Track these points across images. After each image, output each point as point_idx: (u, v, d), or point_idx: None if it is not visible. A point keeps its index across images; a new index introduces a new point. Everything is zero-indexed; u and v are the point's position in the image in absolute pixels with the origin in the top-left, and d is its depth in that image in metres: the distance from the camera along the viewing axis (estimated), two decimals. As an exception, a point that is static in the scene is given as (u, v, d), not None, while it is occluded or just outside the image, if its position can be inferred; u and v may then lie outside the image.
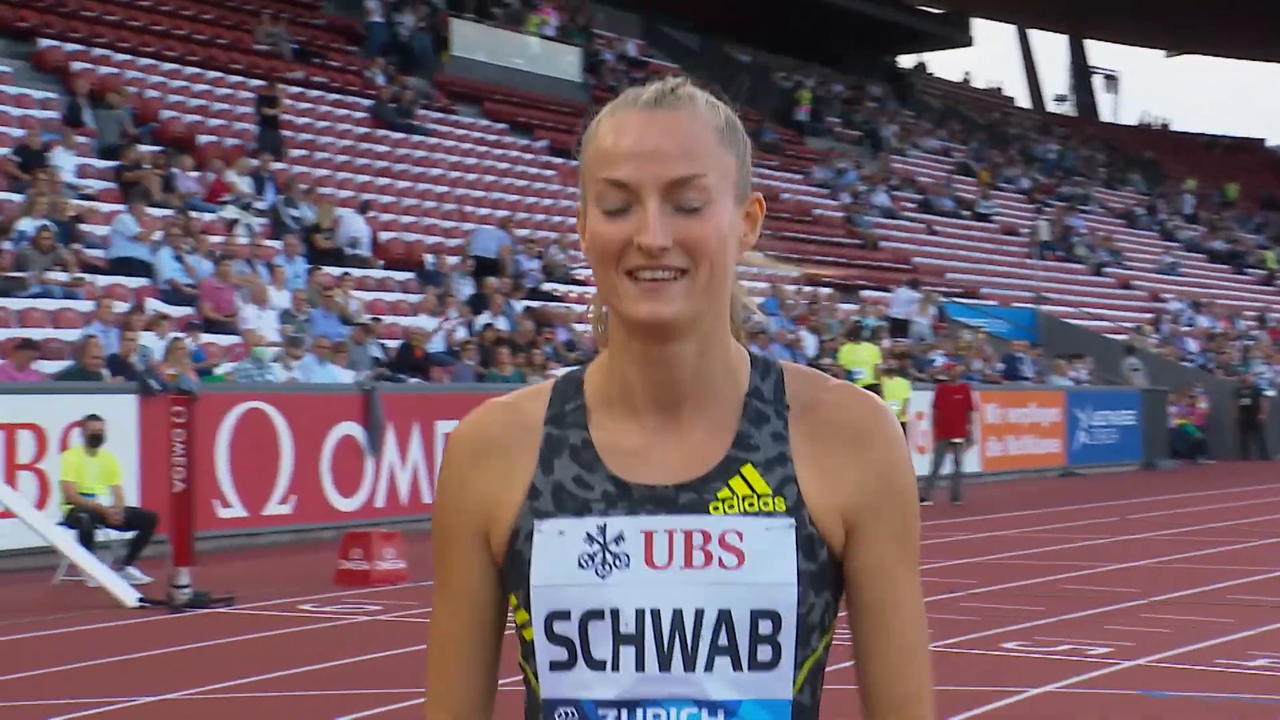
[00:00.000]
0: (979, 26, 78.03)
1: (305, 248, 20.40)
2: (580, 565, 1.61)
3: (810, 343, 24.32)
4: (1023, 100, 63.68)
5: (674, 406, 1.65)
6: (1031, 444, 25.94)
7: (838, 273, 31.17)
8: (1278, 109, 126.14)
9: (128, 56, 24.55)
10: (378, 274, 21.36)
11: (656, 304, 1.57)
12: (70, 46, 23.70)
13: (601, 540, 1.61)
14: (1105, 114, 65.56)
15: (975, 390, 22.54)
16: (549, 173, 29.51)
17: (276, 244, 19.99)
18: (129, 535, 12.32)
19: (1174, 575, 12.77)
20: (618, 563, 1.60)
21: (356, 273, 20.53)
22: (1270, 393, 32.36)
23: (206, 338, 16.47)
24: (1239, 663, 8.83)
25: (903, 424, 21.13)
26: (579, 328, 21.27)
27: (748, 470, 1.63)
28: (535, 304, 21.51)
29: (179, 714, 7.65)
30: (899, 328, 27.57)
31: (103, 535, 12.25)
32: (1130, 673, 8.57)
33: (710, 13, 44.48)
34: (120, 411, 13.31)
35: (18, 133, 19.95)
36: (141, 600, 10.87)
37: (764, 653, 1.59)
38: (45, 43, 23.50)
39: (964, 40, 56.09)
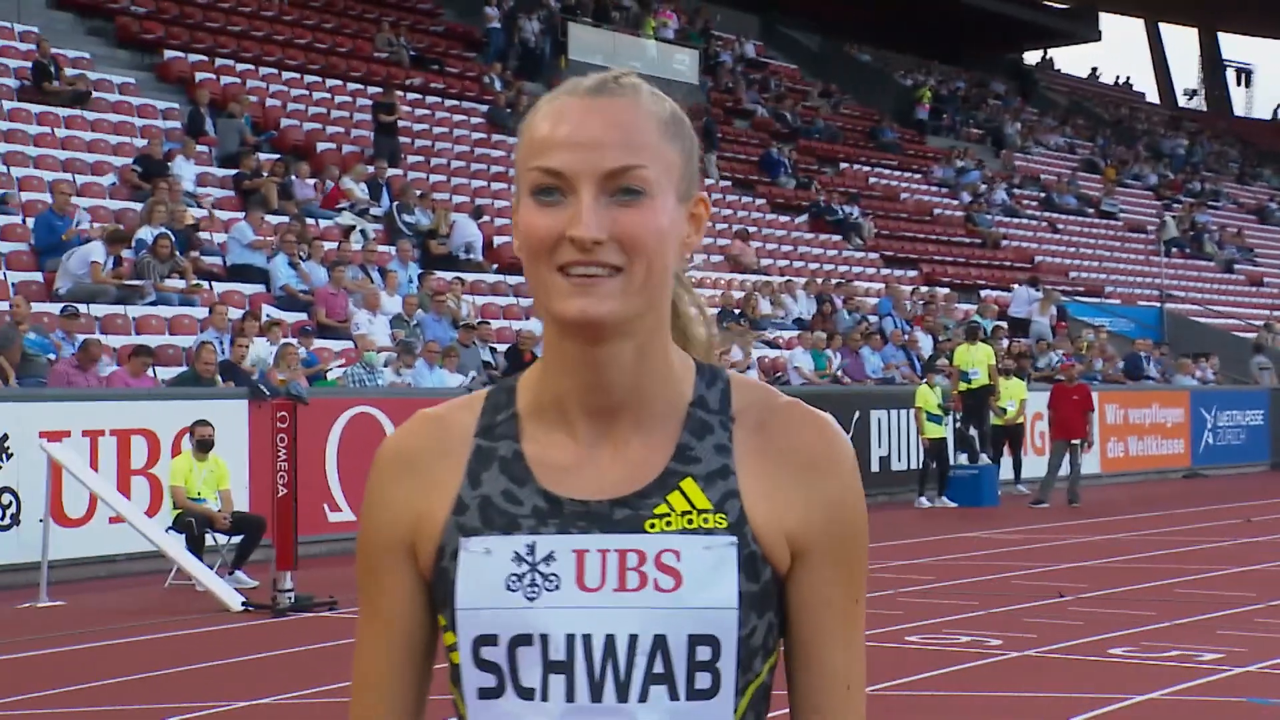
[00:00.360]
0: (1108, 21, 76.85)
1: (419, 253, 20.58)
2: (508, 587, 1.52)
3: (926, 343, 24.05)
4: (1152, 95, 62.52)
5: (610, 415, 1.55)
6: (1154, 445, 25.41)
7: (956, 272, 30.80)
8: None
9: (249, 66, 24.96)
10: (490, 278, 21.48)
11: (589, 301, 1.48)
12: (194, 57, 24.15)
13: (530, 560, 1.52)
14: (1238, 108, 64.13)
15: (1094, 390, 22.13)
16: (664, 175, 29.47)
17: (390, 249, 20.19)
18: (237, 540, 12.49)
19: (1295, 579, 12.42)
20: (547, 584, 1.51)
21: (469, 277, 20.67)
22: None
23: (320, 343, 16.67)
24: (1355, 670, 8.56)
25: (1019, 424, 21.05)
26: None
27: (688, 484, 1.54)
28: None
29: (275, 717, 7.73)
30: (1018, 327, 27.17)
31: (211, 540, 12.43)
32: (1240, 679, 8.34)
33: (830, 12, 44.20)
34: (231, 417, 13.50)
35: (140, 143, 20.35)
36: (245, 604, 11.01)
37: (702, 680, 1.50)
38: (170, 54, 23.98)
39: (1092, 35, 55.17)
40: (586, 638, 1.50)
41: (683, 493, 1.53)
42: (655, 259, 1.50)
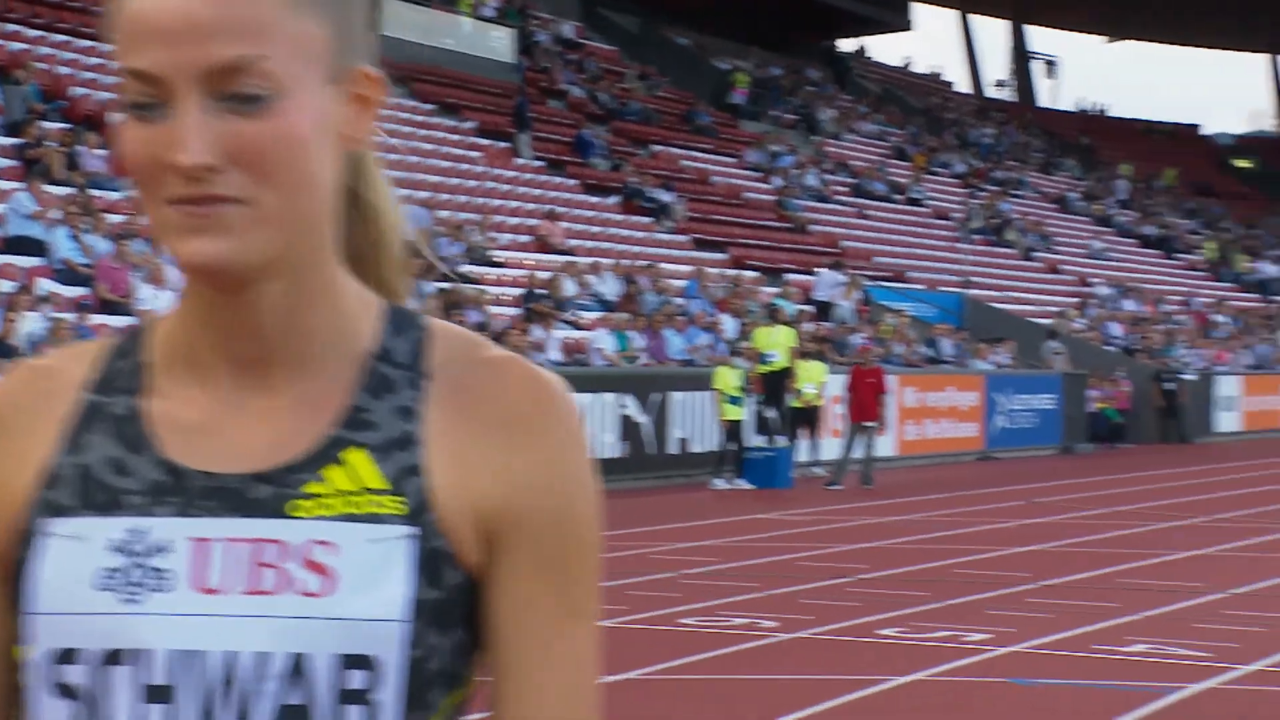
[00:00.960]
0: (921, 11, 78.21)
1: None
2: (101, 586, 1.13)
3: (730, 326, 24.21)
4: (962, 85, 63.82)
5: (259, 367, 1.17)
6: (950, 428, 25.93)
7: (765, 256, 31.08)
8: (1213, 96, 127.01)
9: (40, 33, 24.13)
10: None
11: (205, 242, 1.10)
12: (-20, 22, 23.30)
13: (133, 550, 1.14)
14: (1044, 99, 65.76)
15: (892, 374, 22.48)
16: (475, 154, 29.27)
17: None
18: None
19: (1069, 559, 12.72)
20: (155, 583, 1.13)
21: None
22: (1191, 377, 32.52)
23: (101, 319, 16.17)
24: (1116, 648, 8.75)
25: (817, 407, 21.31)
26: (494, 310, 21.08)
27: (355, 456, 1.15)
28: (448, 286, 21.26)
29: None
30: (822, 311, 27.50)
31: None
32: (1004, 660, 8.48)
33: (649, -5, 44.28)
34: None
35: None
36: None
37: (352, 718, 1.11)
38: (-46, 18, 23.11)
39: (903, 24, 56.07)
40: (199, 656, 1.12)
41: (347, 467, 1.15)
42: (296, 179, 1.12)
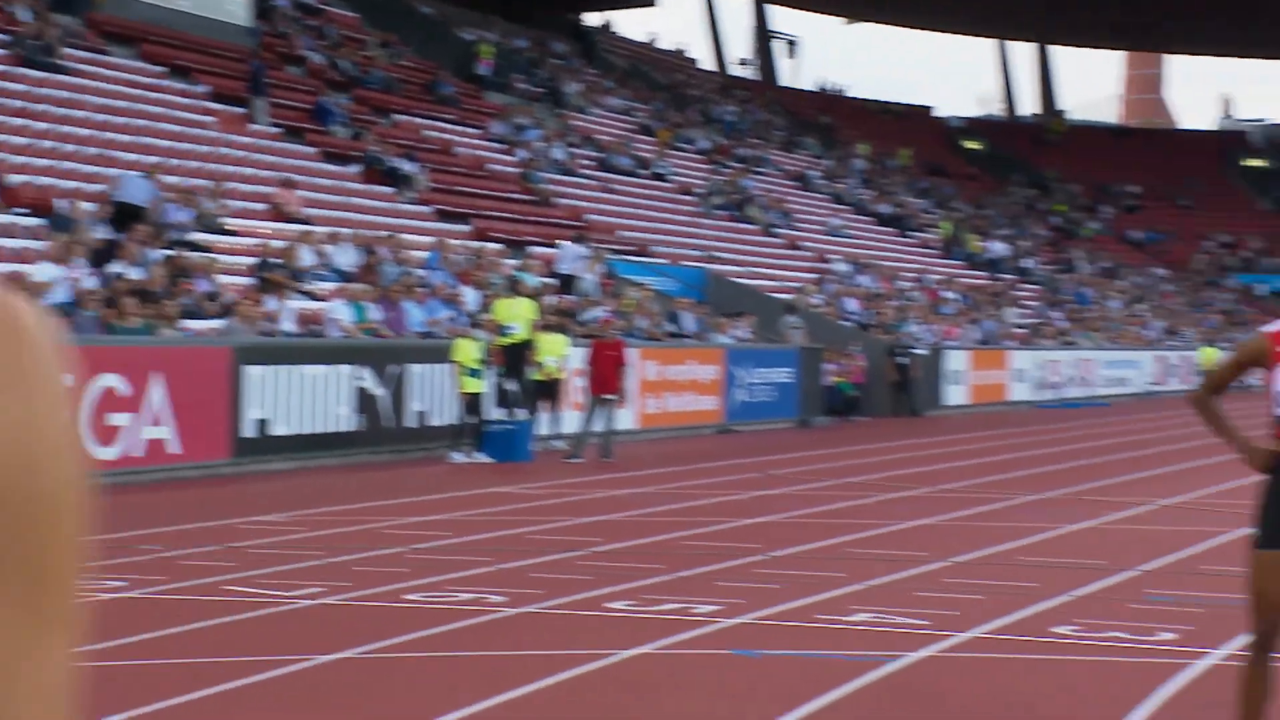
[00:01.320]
0: (666, -12, 78.74)
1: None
2: None
3: (471, 298, 23.94)
4: (707, 63, 64.46)
5: None
6: (690, 401, 26.14)
7: (508, 228, 30.85)
8: (946, 79, 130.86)
9: None
10: (3, 219, 20.07)
11: None
12: None
13: None
14: (785, 79, 66.86)
15: (631, 347, 22.51)
16: (208, 119, 28.34)
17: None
18: None
19: (800, 530, 12.86)
20: None
21: (-19, 217, 19.24)
22: (922, 352, 33.44)
23: None
24: (839, 618, 8.83)
25: (558, 380, 21.22)
26: (223, 279, 20.42)
27: None
28: (176, 253, 20.53)
29: None
30: (565, 284, 27.42)
31: None
32: (731, 631, 8.47)
33: (391, -38, 43.48)
34: None
35: None
36: None
37: None
38: None
39: (648, 0, 56.34)
40: None
41: None
42: None
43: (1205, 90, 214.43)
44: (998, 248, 50.37)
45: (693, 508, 14.66)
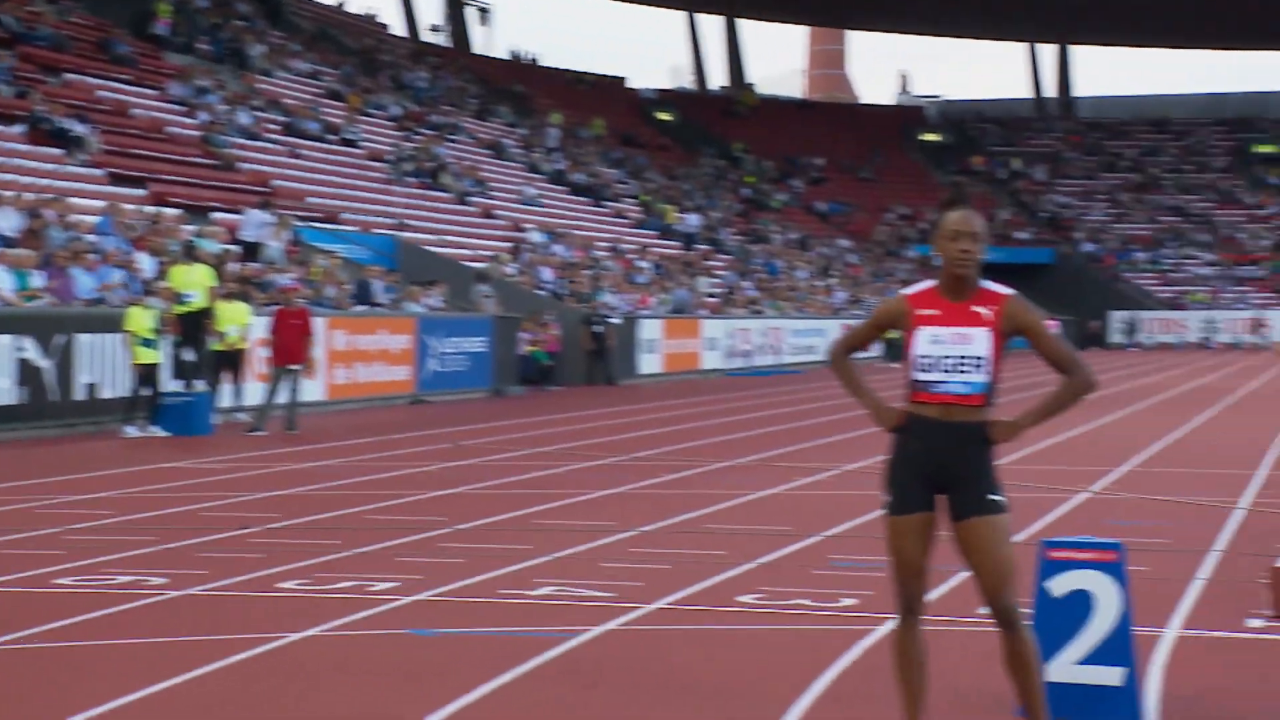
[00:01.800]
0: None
1: None
2: None
3: (148, 265, 22.82)
4: (398, 29, 63.37)
5: None
6: (381, 371, 25.52)
7: (188, 193, 29.60)
8: (639, 50, 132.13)
9: None
10: None
11: None
12: None
13: None
14: (478, 46, 66.25)
15: (320, 316, 21.78)
16: None
17: None
18: None
19: (488, 502, 12.52)
20: None
21: None
22: (617, 321, 33.49)
23: None
24: (522, 592, 8.52)
25: (240, 350, 20.40)
26: None
27: None
28: None
29: None
30: (250, 251, 26.44)
31: None
32: (408, 609, 8.07)
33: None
34: None
35: None
36: None
37: None
38: None
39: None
40: None
41: None
42: None
43: (885, 67, 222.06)
44: (690, 219, 50.93)
45: (378, 480, 14.17)
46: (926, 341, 5.10)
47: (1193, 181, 76.69)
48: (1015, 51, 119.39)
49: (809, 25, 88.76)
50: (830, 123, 76.83)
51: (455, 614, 7.94)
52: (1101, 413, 22.55)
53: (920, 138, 78.17)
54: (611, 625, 7.65)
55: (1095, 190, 75.53)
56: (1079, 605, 5.59)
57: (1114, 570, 5.58)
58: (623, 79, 69.78)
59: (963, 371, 5.06)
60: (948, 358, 5.08)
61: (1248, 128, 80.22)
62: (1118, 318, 64.87)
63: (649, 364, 34.98)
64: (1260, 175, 76.85)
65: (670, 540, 10.47)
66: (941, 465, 5.09)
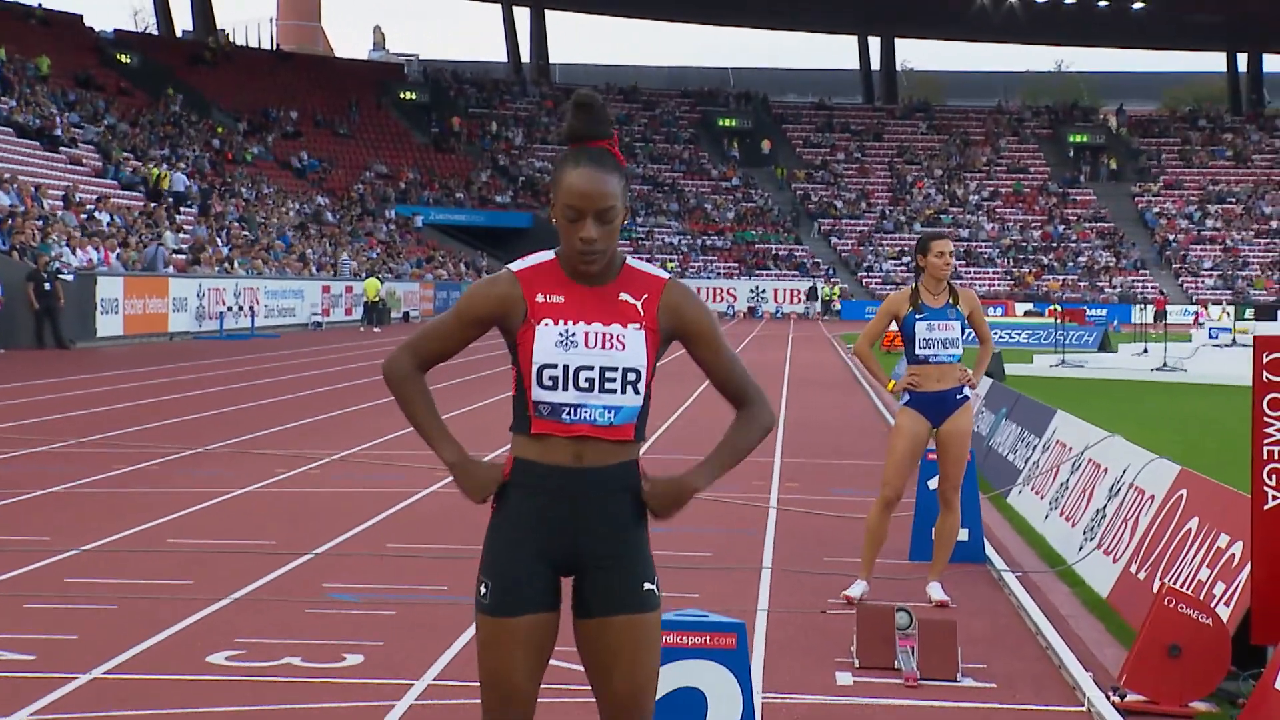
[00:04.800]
0: None
1: None
2: None
3: None
4: None
5: None
6: None
7: None
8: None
9: None
10: None
11: None
12: None
13: None
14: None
15: None
16: None
17: None
18: None
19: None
20: None
21: None
22: (68, 277, 30.30)
23: None
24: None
25: None
26: None
27: None
28: None
29: None
30: None
31: None
32: None
33: None
34: None
35: None
36: None
37: None
38: None
39: None
40: None
41: None
42: None
43: (359, 20, 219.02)
44: (178, 178, 47.35)
45: None
46: (550, 344, 3.49)
47: (662, 151, 78.53)
48: (493, 14, 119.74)
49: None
50: (305, 76, 74.05)
51: None
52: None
53: (400, 95, 76.54)
54: (19, 718, 5.63)
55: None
56: (689, 709, 4.13)
57: (733, 661, 4.16)
58: (80, 16, 64.66)
59: (606, 390, 3.49)
60: (585, 369, 3.49)
61: (711, 100, 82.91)
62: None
63: (108, 326, 31.84)
64: (725, 149, 79.55)
65: (120, 564, 8.44)
66: (571, 535, 3.50)
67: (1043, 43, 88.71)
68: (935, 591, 7.73)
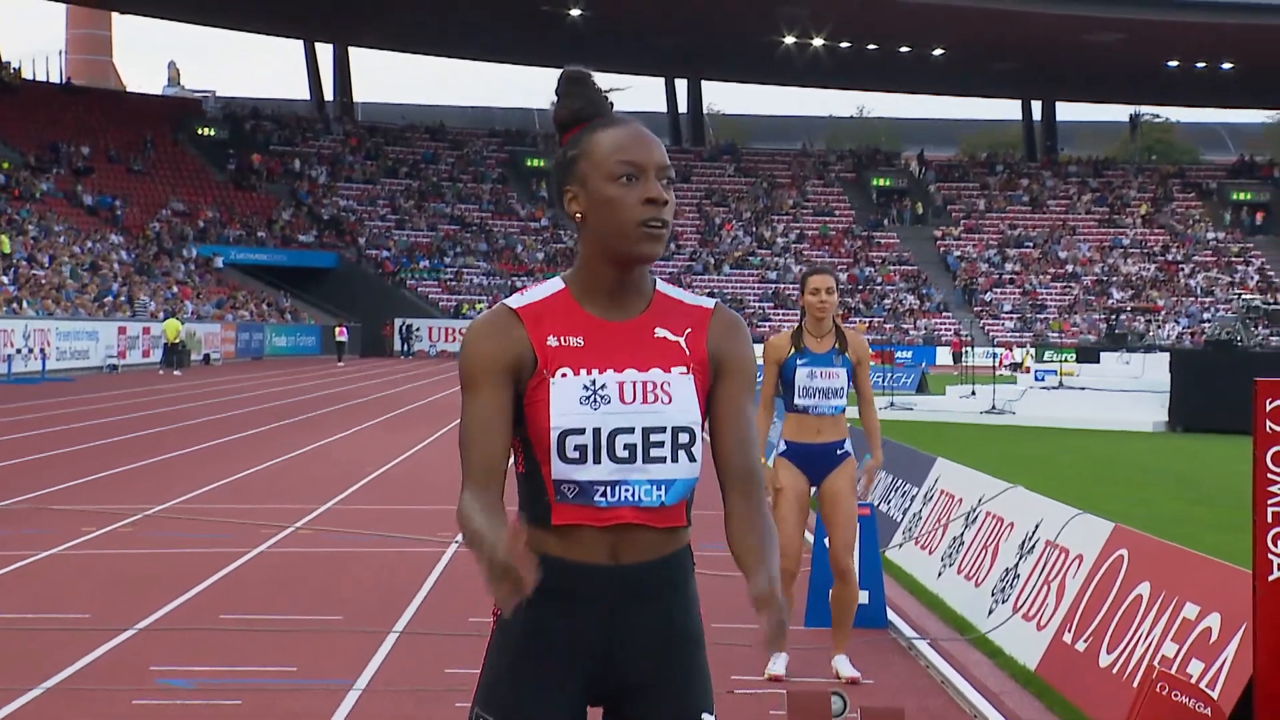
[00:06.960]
0: None
1: None
2: None
3: None
4: None
5: None
6: None
7: None
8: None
9: None
10: None
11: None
12: None
13: None
14: None
15: None
16: None
17: None
18: None
19: None
20: None
21: None
22: None
23: None
24: None
25: None
26: None
27: None
28: None
29: None
30: None
31: None
32: None
33: None
34: None
35: None
36: None
37: None
38: None
39: None
40: None
41: None
42: None
43: (153, 56, 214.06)
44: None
45: None
46: (573, 401, 2.58)
47: (470, 191, 77.52)
48: (294, 50, 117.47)
49: (68, 2, 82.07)
50: (97, 110, 71.45)
51: None
52: (339, 428, 20.80)
53: (197, 132, 74.26)
54: None
55: (377, 195, 74.80)
56: None
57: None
58: None
59: (653, 459, 2.58)
60: (623, 432, 2.57)
61: (518, 140, 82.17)
62: (397, 325, 63.99)
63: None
64: (533, 189, 78.83)
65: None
66: (606, 655, 2.61)
67: (846, 87, 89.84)
68: (844, 667, 6.96)
